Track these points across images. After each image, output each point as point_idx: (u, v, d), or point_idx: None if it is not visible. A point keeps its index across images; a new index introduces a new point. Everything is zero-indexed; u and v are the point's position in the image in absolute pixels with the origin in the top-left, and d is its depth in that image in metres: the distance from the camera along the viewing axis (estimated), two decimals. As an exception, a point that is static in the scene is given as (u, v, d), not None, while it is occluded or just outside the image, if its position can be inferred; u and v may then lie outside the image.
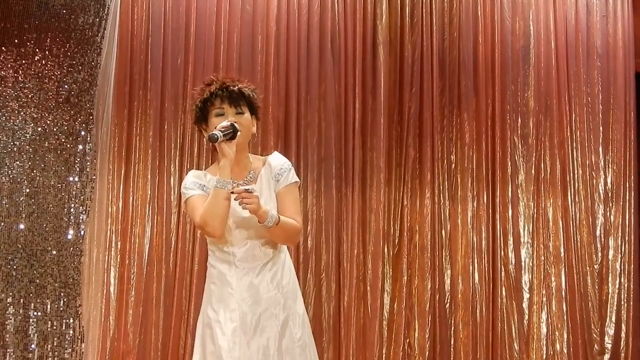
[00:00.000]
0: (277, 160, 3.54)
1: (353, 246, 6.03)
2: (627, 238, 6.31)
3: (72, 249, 5.48)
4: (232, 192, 3.28)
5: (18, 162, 5.45)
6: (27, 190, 5.44)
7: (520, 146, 6.31)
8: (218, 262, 3.46)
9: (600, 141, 6.40)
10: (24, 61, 5.53)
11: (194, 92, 3.58)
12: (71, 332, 5.40)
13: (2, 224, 5.37)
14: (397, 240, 6.15)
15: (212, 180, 3.40)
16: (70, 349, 5.38)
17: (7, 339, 5.27)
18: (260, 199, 3.35)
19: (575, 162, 6.34)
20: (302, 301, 3.53)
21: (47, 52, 5.55)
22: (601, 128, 6.41)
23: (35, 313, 5.33)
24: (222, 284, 3.42)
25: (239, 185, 3.42)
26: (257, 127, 3.59)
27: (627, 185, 6.37)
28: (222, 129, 3.30)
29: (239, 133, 3.35)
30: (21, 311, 5.31)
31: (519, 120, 6.34)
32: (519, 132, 6.32)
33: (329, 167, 6.07)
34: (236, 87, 3.47)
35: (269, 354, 3.33)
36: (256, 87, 3.60)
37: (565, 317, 6.15)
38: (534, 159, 6.31)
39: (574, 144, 6.35)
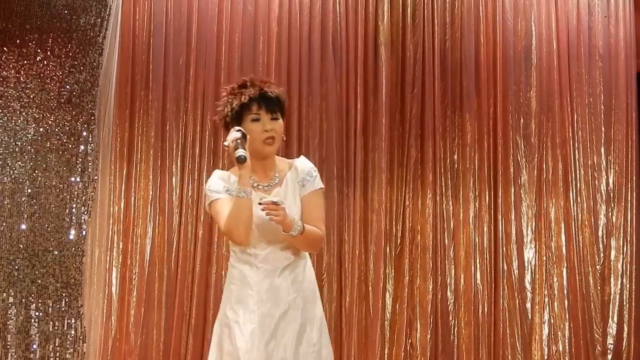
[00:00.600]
0: (304, 164, 3.51)
1: (355, 246, 6.03)
2: (629, 238, 6.31)
3: (73, 249, 5.48)
4: (260, 203, 3.26)
5: (20, 163, 5.45)
6: (29, 190, 5.44)
7: (522, 146, 6.31)
8: (239, 263, 3.44)
9: (602, 141, 6.39)
10: (25, 62, 5.53)
11: (224, 90, 3.54)
12: (73, 332, 5.40)
13: (4, 224, 5.37)
14: (399, 241, 6.15)
15: (236, 183, 3.38)
16: (72, 349, 5.38)
17: (8, 339, 5.28)
18: (285, 201, 3.35)
19: (577, 163, 6.33)
20: (321, 304, 3.52)
21: (48, 53, 5.55)
22: (603, 128, 6.41)
23: (36, 313, 5.33)
24: (242, 285, 3.40)
25: (264, 187, 3.43)
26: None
27: (629, 186, 6.37)
28: (238, 142, 3.28)
29: (247, 137, 3.33)
30: (23, 311, 5.31)
31: (521, 120, 6.34)
32: (521, 132, 6.32)
33: (331, 167, 6.06)
34: (274, 93, 3.46)
35: (285, 358, 3.32)
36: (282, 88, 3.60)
37: (567, 318, 6.14)
38: (536, 159, 6.31)
39: (576, 144, 6.35)
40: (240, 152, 3.25)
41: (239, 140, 3.29)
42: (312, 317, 3.41)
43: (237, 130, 3.32)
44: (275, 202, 3.25)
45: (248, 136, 3.34)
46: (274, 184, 3.46)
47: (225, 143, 3.32)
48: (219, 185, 3.44)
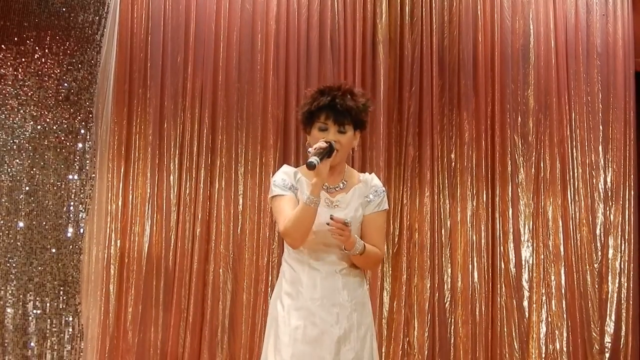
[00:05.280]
0: (375, 181, 3.53)
1: (352, 245, 6.02)
2: (626, 237, 6.31)
3: (71, 247, 5.48)
4: (331, 218, 3.26)
5: (17, 160, 5.45)
6: (27, 188, 5.44)
7: (520, 145, 6.32)
8: (293, 261, 3.45)
9: (600, 140, 6.40)
10: (23, 59, 5.53)
11: (307, 92, 3.55)
12: (70, 330, 5.40)
13: (2, 221, 5.37)
14: (396, 239, 6.15)
15: (301, 181, 3.41)
16: (69, 347, 5.38)
17: (6, 337, 5.28)
18: (347, 208, 3.40)
19: (575, 161, 6.34)
20: (371, 313, 3.51)
21: (46, 50, 5.55)
22: (601, 127, 6.41)
23: (34, 311, 5.33)
24: (293, 281, 3.42)
25: (328, 188, 3.43)
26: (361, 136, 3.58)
27: (627, 184, 6.37)
28: (319, 151, 3.29)
29: (335, 152, 3.34)
30: (20, 309, 5.31)
31: (519, 119, 6.34)
32: (519, 131, 6.33)
33: (329, 165, 6.06)
34: (344, 104, 3.42)
35: (324, 359, 3.32)
36: (368, 97, 3.53)
37: (564, 316, 6.15)
38: (533, 157, 6.31)
39: (574, 142, 6.35)
40: (313, 159, 3.25)
41: (321, 150, 3.29)
42: (359, 324, 3.41)
43: (327, 142, 3.34)
44: (345, 223, 3.26)
45: (336, 152, 3.35)
46: (339, 189, 3.47)
47: (309, 150, 3.33)
48: (285, 181, 3.45)
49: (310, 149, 3.34)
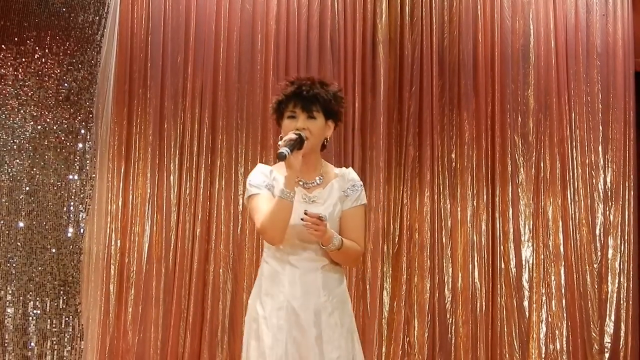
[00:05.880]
0: (352, 175, 3.51)
1: (352, 245, 6.02)
2: (626, 237, 6.31)
3: (71, 247, 5.48)
4: (305, 214, 3.22)
5: (18, 160, 5.45)
6: (27, 188, 5.44)
7: (520, 145, 6.31)
8: (273, 260, 3.41)
9: (600, 140, 6.39)
10: (23, 59, 5.53)
11: (278, 87, 3.53)
12: (70, 330, 5.40)
13: (2, 221, 5.37)
14: (396, 239, 6.15)
15: (277, 179, 3.38)
16: (69, 347, 5.38)
17: (6, 337, 5.28)
18: (325, 204, 3.37)
19: (575, 161, 6.34)
20: (352, 312, 3.49)
21: (47, 51, 5.55)
22: (601, 127, 6.41)
23: (34, 311, 5.33)
24: (273, 281, 3.38)
25: (305, 184, 3.41)
26: (338, 127, 3.55)
27: (627, 185, 6.37)
28: (289, 142, 3.27)
29: (305, 142, 3.32)
30: (20, 309, 5.31)
31: (519, 119, 6.34)
32: (519, 131, 6.32)
33: (329, 165, 6.06)
34: (311, 91, 3.41)
35: (308, 359, 3.30)
36: (340, 89, 3.54)
37: (564, 316, 6.15)
38: (533, 157, 6.31)
39: (574, 143, 6.35)
40: (283, 149, 3.23)
41: (291, 142, 3.28)
42: (341, 322, 3.38)
43: (296, 133, 3.32)
44: (320, 218, 3.23)
45: (307, 142, 3.32)
46: (315, 184, 3.44)
47: (280, 143, 3.30)
48: (260, 179, 3.42)
49: (280, 143, 3.31)
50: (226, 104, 5.97)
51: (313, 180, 3.44)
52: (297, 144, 3.29)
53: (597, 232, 6.31)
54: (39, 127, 5.50)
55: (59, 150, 5.52)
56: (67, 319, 5.40)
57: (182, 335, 5.73)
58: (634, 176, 6.38)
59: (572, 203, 6.28)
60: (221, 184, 5.92)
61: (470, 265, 6.13)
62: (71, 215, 5.50)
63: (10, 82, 5.51)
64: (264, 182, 3.41)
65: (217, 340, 5.78)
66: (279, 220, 3.27)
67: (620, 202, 6.33)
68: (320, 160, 3.50)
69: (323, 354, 3.31)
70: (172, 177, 5.86)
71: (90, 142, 5.60)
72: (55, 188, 5.48)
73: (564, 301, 6.17)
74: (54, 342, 5.34)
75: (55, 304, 5.38)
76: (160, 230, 5.80)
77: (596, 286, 6.24)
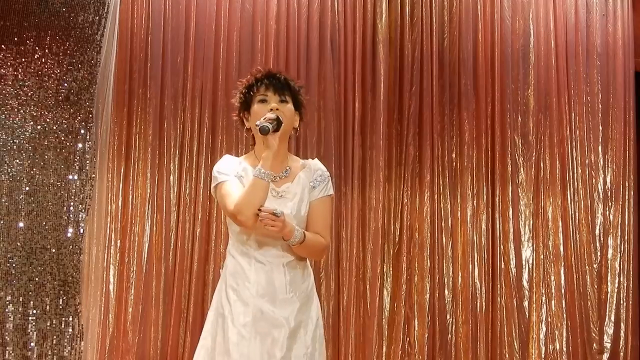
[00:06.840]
0: (318, 166, 3.48)
1: (352, 245, 6.03)
2: (626, 237, 6.32)
3: (71, 247, 5.48)
4: (259, 210, 3.19)
5: (17, 160, 5.44)
6: (27, 188, 5.43)
7: (520, 145, 6.32)
8: (238, 254, 3.37)
9: (600, 140, 6.40)
10: (23, 59, 5.53)
11: (240, 84, 3.50)
12: (70, 330, 5.39)
13: (2, 222, 5.36)
14: (396, 239, 6.15)
15: (247, 169, 3.35)
16: (69, 347, 5.37)
17: (6, 337, 5.27)
18: (295, 199, 3.35)
19: (575, 161, 6.34)
20: (319, 306, 3.46)
21: (46, 50, 5.54)
22: (601, 127, 6.42)
23: (34, 311, 5.33)
24: (239, 276, 3.34)
25: (275, 177, 3.37)
26: (300, 126, 3.52)
27: (627, 185, 6.38)
28: (270, 120, 3.24)
29: (282, 125, 3.28)
30: (20, 309, 5.31)
31: (519, 119, 6.35)
32: (519, 131, 6.33)
33: (329, 165, 6.01)
34: (282, 77, 3.42)
35: (275, 356, 3.27)
36: (302, 86, 3.53)
37: (564, 316, 6.15)
38: (533, 157, 6.32)
39: (574, 143, 6.36)
40: (266, 124, 3.20)
41: (272, 120, 3.24)
42: (307, 319, 3.36)
43: (273, 114, 3.29)
44: (275, 213, 3.19)
45: (283, 124, 3.28)
46: (283, 177, 3.41)
47: (257, 122, 3.26)
48: (229, 168, 3.39)
49: (258, 122, 3.26)
50: (226, 104, 5.97)
51: (280, 173, 3.41)
52: (276, 124, 3.26)
53: (597, 232, 6.31)
54: (39, 127, 5.49)
55: (58, 150, 5.51)
56: (67, 319, 5.39)
57: (182, 335, 5.73)
58: (634, 176, 6.39)
59: (572, 203, 6.29)
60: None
61: (470, 265, 6.14)
62: (71, 216, 5.49)
63: (10, 82, 5.50)
64: (233, 171, 3.38)
65: (217, 340, 5.78)
66: (255, 199, 3.22)
67: (620, 202, 6.34)
68: (286, 151, 3.48)
69: (290, 350, 3.29)
70: (172, 177, 5.86)
71: (90, 142, 5.60)
72: (55, 188, 5.47)
73: (563, 301, 6.17)
74: (54, 342, 5.34)
75: (55, 304, 5.37)
76: (160, 230, 5.80)
77: (596, 286, 6.25)
